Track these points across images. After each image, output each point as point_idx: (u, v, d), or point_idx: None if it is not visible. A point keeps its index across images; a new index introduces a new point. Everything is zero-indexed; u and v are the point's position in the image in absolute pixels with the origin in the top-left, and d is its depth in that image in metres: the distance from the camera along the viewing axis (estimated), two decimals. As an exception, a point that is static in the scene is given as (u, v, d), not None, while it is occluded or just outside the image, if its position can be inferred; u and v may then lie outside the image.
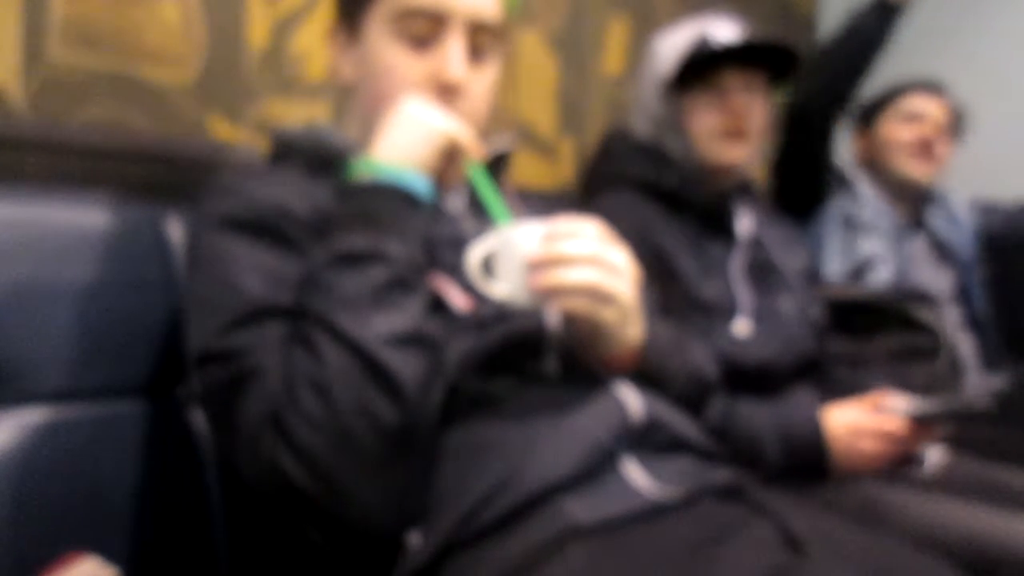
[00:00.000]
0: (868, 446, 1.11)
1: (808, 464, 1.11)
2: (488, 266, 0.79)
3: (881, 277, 1.61)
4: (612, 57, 1.94)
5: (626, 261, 0.79)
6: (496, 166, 0.96)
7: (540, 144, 1.78)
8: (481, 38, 0.89)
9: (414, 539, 0.74)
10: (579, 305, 0.77)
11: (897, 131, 1.71)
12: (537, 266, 0.76)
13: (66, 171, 1.05)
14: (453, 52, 0.87)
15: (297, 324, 0.74)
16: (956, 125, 1.75)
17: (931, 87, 1.74)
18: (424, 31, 0.87)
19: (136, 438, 0.91)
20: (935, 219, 1.77)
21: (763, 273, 1.26)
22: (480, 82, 0.90)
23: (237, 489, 0.92)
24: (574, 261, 0.75)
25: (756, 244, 1.28)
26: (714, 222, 1.26)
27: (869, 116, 1.76)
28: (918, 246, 1.72)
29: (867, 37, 1.53)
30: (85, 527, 0.85)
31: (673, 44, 1.30)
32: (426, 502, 0.75)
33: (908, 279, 1.63)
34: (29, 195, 0.92)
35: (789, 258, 1.33)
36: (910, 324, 1.50)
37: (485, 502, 0.73)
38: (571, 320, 0.80)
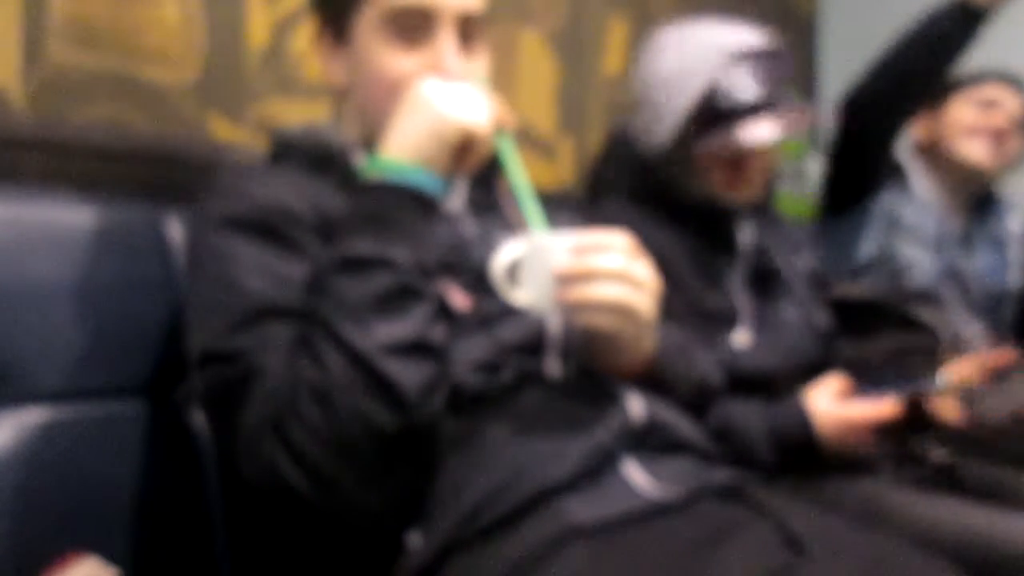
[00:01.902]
0: (856, 435, 1.09)
1: (798, 454, 1.09)
2: (513, 272, 0.78)
3: (915, 284, 1.55)
4: (612, 57, 1.94)
5: (650, 275, 0.79)
6: (495, 167, 0.96)
7: (540, 144, 1.78)
8: (469, 29, 0.89)
9: (414, 539, 0.74)
10: (603, 321, 0.77)
11: (968, 114, 1.61)
12: (566, 279, 0.76)
13: (66, 171, 1.05)
14: (447, 46, 0.87)
15: (303, 327, 0.74)
16: None
17: (1011, 80, 1.64)
18: (414, 29, 0.87)
19: (136, 438, 0.91)
20: (982, 245, 1.66)
21: (766, 282, 1.25)
22: (473, 73, 0.90)
23: (237, 489, 0.92)
24: (603, 276, 0.75)
25: (758, 252, 1.26)
26: (715, 233, 1.24)
27: (939, 96, 1.65)
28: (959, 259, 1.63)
29: (945, 43, 1.43)
30: (85, 527, 0.85)
31: (679, 93, 1.17)
32: (427, 502, 0.75)
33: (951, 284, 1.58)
34: (29, 195, 0.92)
35: (793, 264, 1.31)
36: (910, 324, 1.49)
37: (486, 502, 0.73)
38: (590, 332, 0.80)
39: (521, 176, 0.83)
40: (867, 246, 1.59)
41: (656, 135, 1.21)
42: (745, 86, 1.15)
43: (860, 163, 1.58)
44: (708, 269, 1.21)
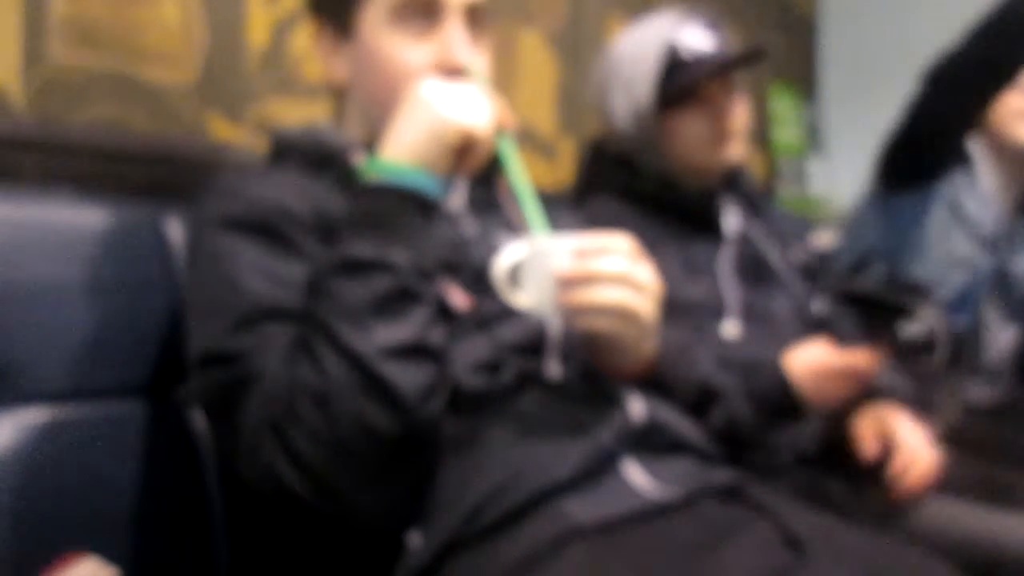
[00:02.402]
0: (834, 386, 1.07)
1: (776, 410, 1.07)
2: (515, 275, 0.78)
3: (960, 280, 1.53)
4: (612, 57, 1.94)
5: (651, 278, 0.78)
6: (496, 167, 0.96)
7: (540, 144, 1.78)
8: (475, 21, 0.90)
9: (415, 539, 0.74)
10: (604, 324, 0.76)
11: (1018, 100, 1.59)
12: (567, 282, 0.75)
13: (66, 171, 1.05)
14: (456, 36, 0.88)
15: (302, 329, 0.74)
16: None
17: None
18: (422, 21, 0.88)
19: (136, 438, 0.91)
20: None
21: (755, 271, 1.24)
22: (481, 63, 0.91)
23: (237, 489, 0.92)
24: (605, 280, 0.75)
25: (745, 241, 1.26)
26: (699, 220, 1.25)
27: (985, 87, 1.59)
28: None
29: None
30: (85, 527, 0.85)
31: (642, 62, 1.22)
32: (427, 502, 0.75)
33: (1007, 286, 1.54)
34: (29, 195, 0.92)
35: (785, 254, 1.30)
36: (907, 317, 1.48)
37: (486, 502, 0.73)
38: (591, 335, 0.80)
39: (522, 178, 0.83)
40: (931, 233, 1.55)
41: (632, 105, 1.24)
42: (700, 37, 1.23)
43: (936, 139, 1.54)
44: (693, 257, 1.20)
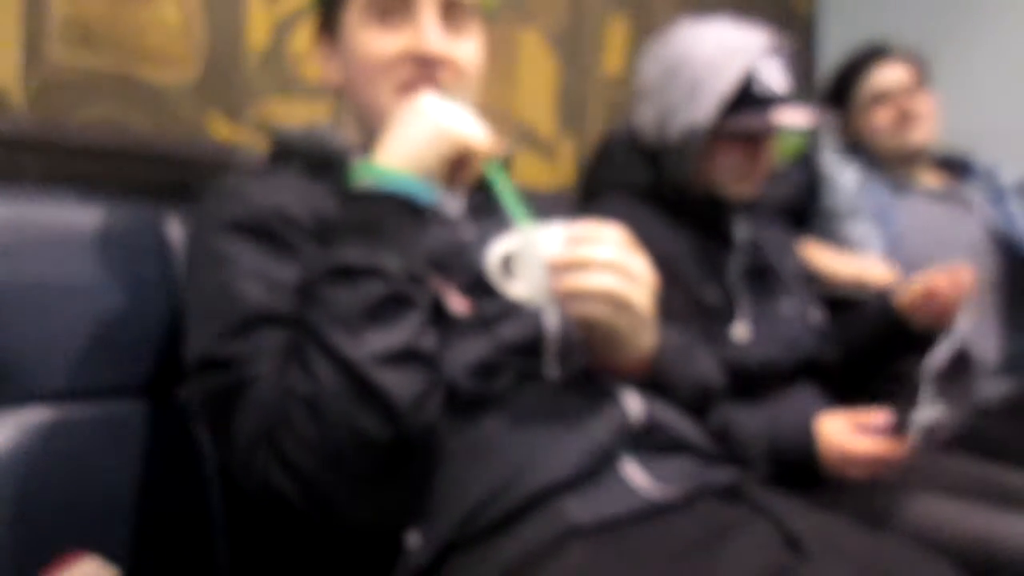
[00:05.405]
0: (857, 472, 1.08)
1: (796, 473, 1.08)
2: (508, 265, 0.79)
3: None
4: (612, 57, 1.94)
5: (645, 269, 0.78)
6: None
7: (540, 144, 1.78)
8: (454, 13, 0.91)
9: (414, 539, 0.74)
10: (596, 311, 0.76)
11: (872, 117, 1.66)
12: (558, 269, 0.76)
13: (66, 171, 1.05)
14: (427, 24, 0.88)
15: (294, 336, 0.74)
16: (924, 75, 1.67)
17: (881, 55, 1.67)
18: (396, 15, 0.89)
19: (136, 438, 0.91)
20: (981, 199, 1.66)
21: (762, 276, 1.25)
22: (462, 51, 0.91)
23: (237, 489, 0.92)
24: (595, 266, 0.75)
25: (754, 247, 1.27)
26: (712, 227, 1.25)
27: (838, 102, 1.71)
28: (929, 208, 1.63)
29: None
30: (85, 527, 0.85)
31: (717, 79, 1.18)
32: (425, 502, 0.75)
33: (903, 249, 1.57)
34: (29, 195, 0.92)
35: (788, 260, 1.32)
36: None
37: (485, 503, 0.73)
38: (585, 325, 0.80)
39: (514, 202, 0.82)
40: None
41: (689, 116, 1.20)
42: (776, 77, 1.20)
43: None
44: (707, 263, 1.21)
